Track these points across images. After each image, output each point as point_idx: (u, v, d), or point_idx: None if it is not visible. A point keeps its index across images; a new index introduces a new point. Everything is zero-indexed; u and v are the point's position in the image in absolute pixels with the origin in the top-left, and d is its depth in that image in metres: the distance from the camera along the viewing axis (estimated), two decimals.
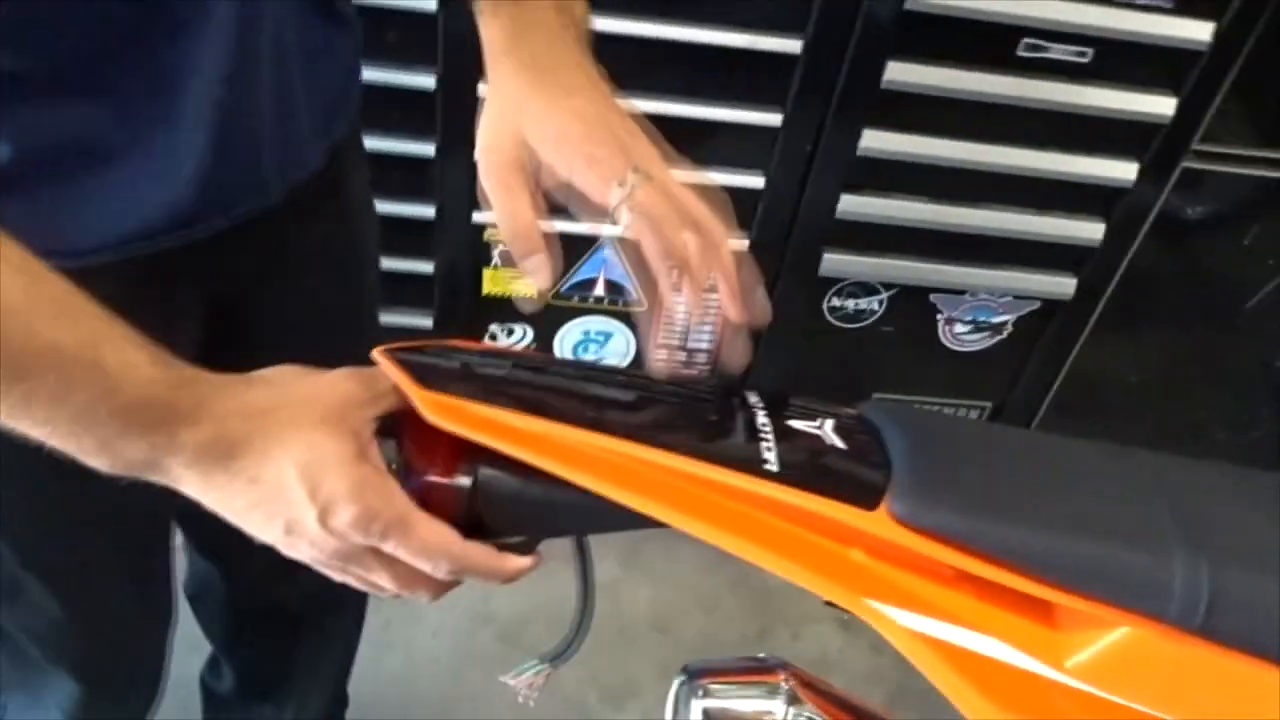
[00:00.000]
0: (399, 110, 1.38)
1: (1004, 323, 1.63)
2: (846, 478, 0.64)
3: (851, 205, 1.47)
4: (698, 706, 0.67)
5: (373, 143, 1.39)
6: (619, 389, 0.72)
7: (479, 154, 0.68)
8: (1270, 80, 1.39)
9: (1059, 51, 1.32)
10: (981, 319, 1.62)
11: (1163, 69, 1.35)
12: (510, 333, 1.65)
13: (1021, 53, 1.32)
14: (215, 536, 1.13)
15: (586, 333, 1.65)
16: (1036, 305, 1.61)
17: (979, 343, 1.66)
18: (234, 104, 0.70)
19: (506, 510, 0.63)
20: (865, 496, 0.63)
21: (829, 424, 0.69)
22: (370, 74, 1.33)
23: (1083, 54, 1.33)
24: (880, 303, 1.60)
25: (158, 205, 0.70)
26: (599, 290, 1.59)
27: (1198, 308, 1.64)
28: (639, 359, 1.66)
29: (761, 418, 0.67)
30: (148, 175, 0.69)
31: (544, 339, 1.65)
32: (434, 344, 0.70)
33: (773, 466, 0.63)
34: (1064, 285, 1.56)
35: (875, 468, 0.65)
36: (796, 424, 0.68)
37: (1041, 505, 0.65)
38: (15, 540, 0.83)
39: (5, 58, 0.60)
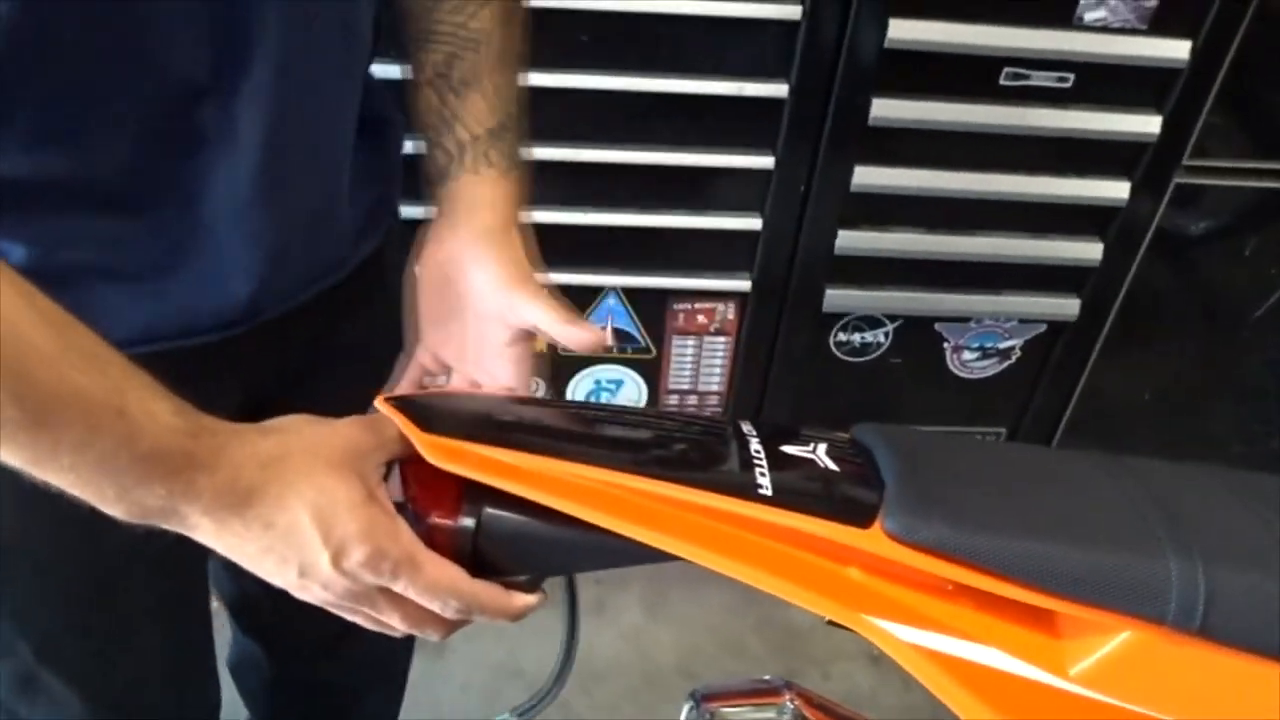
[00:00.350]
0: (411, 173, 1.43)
1: (1011, 347, 1.64)
2: (840, 498, 0.66)
3: (849, 240, 1.49)
4: None
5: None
6: (613, 425, 0.74)
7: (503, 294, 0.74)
8: (1253, 93, 1.41)
9: (1040, 79, 1.35)
10: (989, 345, 1.63)
11: (1144, 88, 1.38)
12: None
13: (1004, 82, 1.35)
14: (260, 615, 1.14)
15: (598, 382, 1.67)
16: (1042, 328, 1.62)
17: (988, 369, 1.67)
18: (270, 214, 0.71)
19: (511, 549, 0.64)
20: (859, 515, 0.64)
21: (821, 448, 0.70)
22: None
23: (1064, 79, 1.36)
24: (886, 335, 1.61)
25: (194, 310, 0.71)
26: (609, 341, 1.61)
27: (1204, 321, 1.64)
28: (651, 405, 1.69)
29: (755, 445, 0.69)
30: (182, 284, 0.70)
31: (557, 391, 1.67)
32: (434, 391, 0.73)
33: (767, 491, 0.65)
34: (1068, 306, 1.57)
35: (868, 487, 0.67)
36: (789, 449, 0.69)
37: (1034, 516, 0.66)
38: (28, 629, 0.79)
39: (26, 164, 0.62)
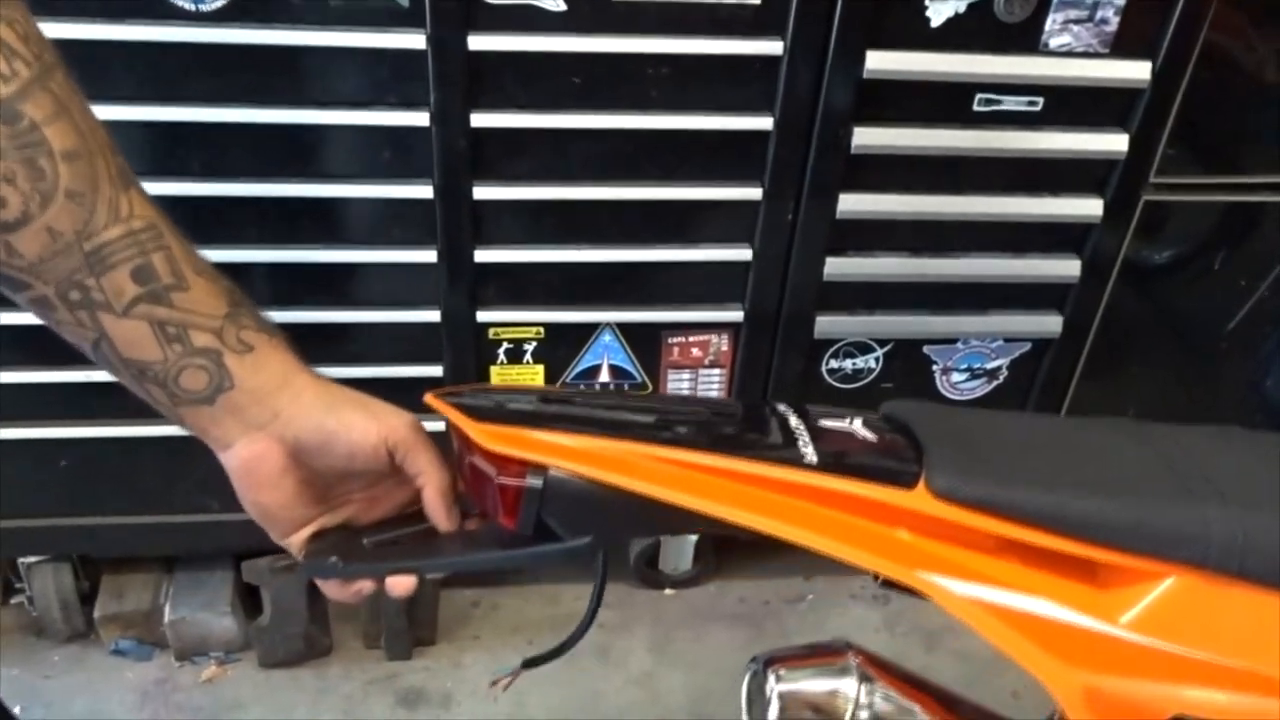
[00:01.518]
0: (398, 222, 1.45)
1: (998, 367, 1.68)
2: (883, 463, 0.68)
3: (837, 267, 1.53)
4: (773, 692, 0.68)
5: (377, 255, 1.47)
6: (652, 407, 0.76)
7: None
8: (1213, 111, 1.48)
9: (1011, 103, 1.41)
10: (976, 365, 1.67)
11: (1110, 109, 1.44)
12: None
13: (977, 108, 1.41)
14: None
15: None
16: (1027, 347, 1.66)
17: (977, 389, 1.70)
18: None
19: (572, 510, 0.66)
20: (903, 478, 0.66)
21: (857, 422, 0.72)
22: (370, 190, 1.41)
23: (1033, 103, 1.42)
24: (877, 360, 1.65)
25: None
26: (604, 376, 1.63)
27: (1181, 335, 1.70)
28: None
29: (794, 420, 0.71)
30: None
31: None
32: (469, 387, 0.74)
33: (812, 459, 0.66)
34: (1050, 324, 1.62)
35: (908, 453, 0.69)
36: (826, 424, 0.71)
37: (1073, 472, 0.69)
38: None
39: None
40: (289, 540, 0.71)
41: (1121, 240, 1.56)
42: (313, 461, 0.67)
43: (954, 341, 1.64)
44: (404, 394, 1.57)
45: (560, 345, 1.59)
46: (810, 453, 0.67)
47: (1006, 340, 1.65)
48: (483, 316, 1.54)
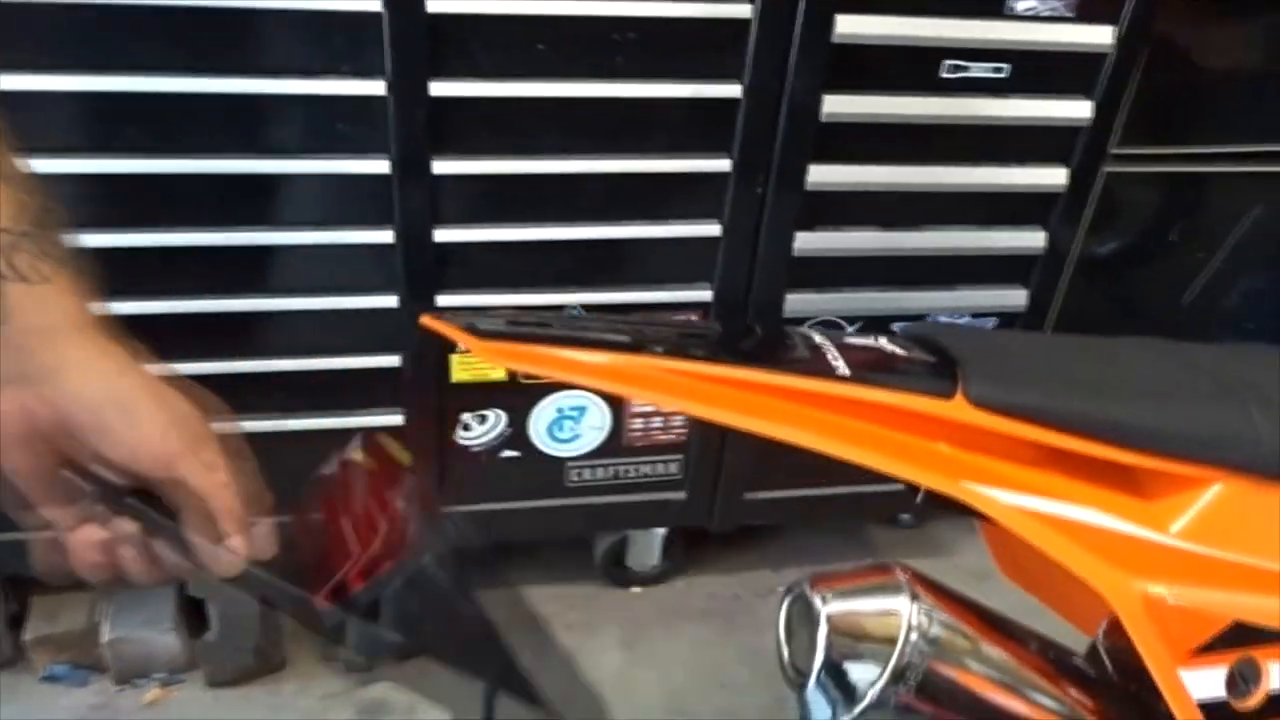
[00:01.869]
0: (354, 200, 1.39)
1: None
2: (917, 375, 0.64)
3: (806, 243, 1.50)
4: (822, 614, 0.64)
5: (332, 235, 1.40)
6: (664, 327, 0.71)
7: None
8: (1173, 81, 1.50)
9: (979, 70, 1.41)
10: None
11: (1074, 76, 1.45)
12: (483, 420, 1.61)
13: (945, 74, 1.40)
14: None
15: (560, 410, 1.62)
16: (994, 321, 1.65)
17: None
18: None
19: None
20: (940, 388, 0.63)
21: (882, 340, 0.69)
22: (324, 164, 1.35)
23: (999, 69, 1.42)
24: None
25: None
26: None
27: (1142, 303, 1.71)
28: (616, 430, 1.65)
29: (817, 338, 0.67)
30: None
31: (517, 422, 1.62)
32: (466, 309, 0.69)
33: (845, 371, 0.62)
34: (1016, 297, 1.61)
35: (940, 366, 0.65)
36: (853, 341, 0.67)
37: (1112, 380, 0.66)
38: None
39: None
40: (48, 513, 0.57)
41: (1084, 212, 1.57)
42: (81, 446, 0.54)
43: (923, 318, 1.62)
44: (359, 385, 1.52)
45: None
46: (842, 366, 0.63)
47: (974, 316, 1.63)
48: (443, 300, 1.48)
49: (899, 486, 1.94)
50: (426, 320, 0.64)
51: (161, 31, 1.22)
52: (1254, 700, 0.61)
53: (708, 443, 1.69)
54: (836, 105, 1.39)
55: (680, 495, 1.75)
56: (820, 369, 0.62)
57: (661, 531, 1.84)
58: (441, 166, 1.36)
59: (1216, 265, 1.70)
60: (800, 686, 0.66)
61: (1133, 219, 1.65)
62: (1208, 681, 0.59)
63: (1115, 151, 1.54)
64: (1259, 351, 0.74)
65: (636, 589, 1.89)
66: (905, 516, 1.98)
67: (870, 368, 0.64)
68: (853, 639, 0.62)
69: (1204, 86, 1.56)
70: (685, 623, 1.82)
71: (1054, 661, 0.67)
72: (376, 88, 1.29)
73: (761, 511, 1.79)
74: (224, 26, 1.23)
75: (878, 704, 0.62)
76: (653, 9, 1.30)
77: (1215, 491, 0.63)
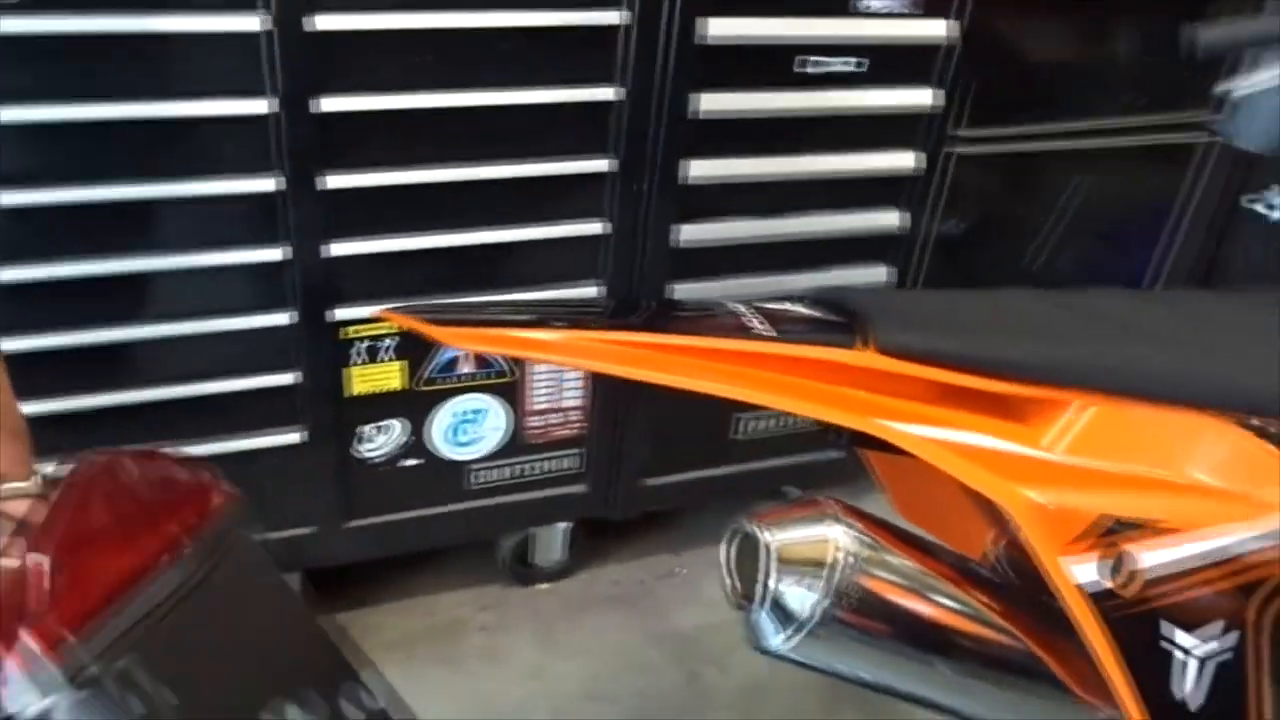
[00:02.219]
0: (242, 219, 1.39)
1: None
2: (829, 330, 0.72)
3: (687, 234, 1.59)
4: (766, 544, 0.70)
5: (221, 257, 1.39)
6: (588, 307, 0.77)
7: None
8: (1006, 68, 1.65)
9: (839, 65, 1.52)
10: None
11: (921, 66, 1.58)
12: (383, 430, 1.63)
13: (808, 69, 1.51)
14: None
15: (457, 414, 1.65)
16: None
17: None
18: None
19: None
20: (851, 340, 0.71)
21: (797, 304, 0.77)
22: (211, 186, 1.34)
23: (861, 64, 1.53)
24: None
25: None
26: (467, 368, 1.61)
27: (993, 273, 1.86)
28: (515, 429, 1.69)
29: (731, 305, 0.74)
30: None
31: (416, 430, 1.64)
32: (425, 304, 0.74)
33: (764, 331, 0.70)
34: (878, 274, 1.73)
35: (849, 321, 0.73)
36: (768, 306, 0.75)
37: (999, 323, 0.75)
38: None
39: None
40: None
41: (935, 193, 1.70)
42: None
43: None
44: (255, 406, 1.51)
45: (419, 339, 1.56)
46: (764, 328, 0.70)
47: None
48: (336, 315, 1.49)
49: (786, 462, 2.01)
50: (384, 312, 0.68)
51: (36, 57, 1.20)
52: (1136, 585, 0.71)
53: (605, 434, 1.75)
54: (708, 103, 1.48)
55: (582, 488, 1.80)
56: (745, 332, 0.69)
57: (564, 526, 1.89)
58: (331, 181, 1.38)
59: (1053, 234, 1.87)
60: (748, 613, 0.73)
61: (981, 197, 1.79)
62: (1086, 568, 0.69)
63: (960, 134, 1.68)
64: (1118, 292, 0.85)
65: (544, 585, 1.93)
66: (793, 490, 2.08)
67: (786, 326, 0.71)
68: (793, 564, 0.70)
69: (1032, 72, 1.71)
70: (594, 613, 1.87)
71: (964, 571, 0.76)
72: (262, 106, 1.30)
73: (660, 496, 1.87)
74: (105, 52, 1.22)
75: (819, 622, 0.70)
76: (531, 19, 1.35)
77: (1085, 412, 0.73)
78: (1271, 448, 0.72)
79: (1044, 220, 1.84)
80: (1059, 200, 1.85)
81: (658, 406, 1.73)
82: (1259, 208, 1.77)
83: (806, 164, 1.59)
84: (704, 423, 1.81)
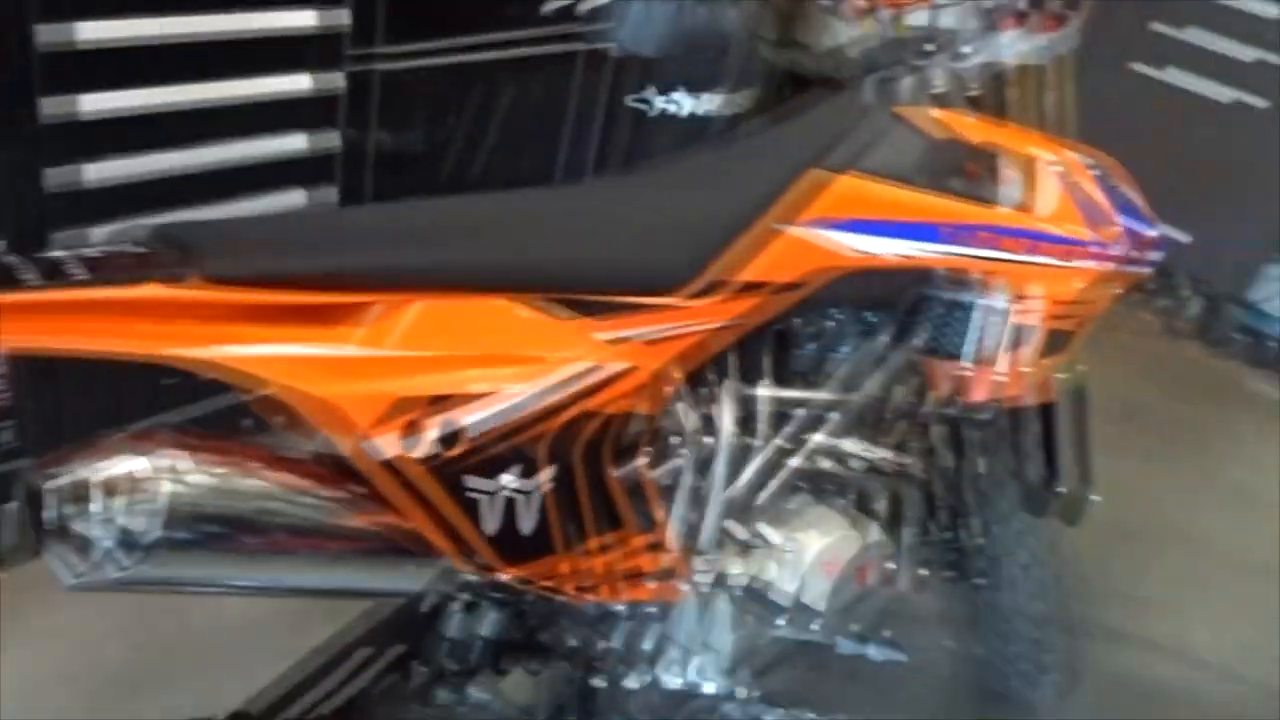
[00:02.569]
0: None
1: None
2: (160, 267, 0.75)
3: (91, 174, 1.50)
4: (49, 496, 0.75)
5: None
6: None
7: None
8: None
9: None
10: None
11: None
12: None
13: None
14: None
15: None
16: None
17: None
18: None
19: None
20: (180, 274, 0.75)
21: (134, 246, 0.79)
22: None
23: None
24: None
25: None
26: None
27: (440, 185, 1.95)
28: None
29: (62, 253, 0.75)
30: None
31: None
32: None
33: (84, 277, 0.72)
34: (296, 197, 1.76)
35: (181, 256, 0.77)
36: (99, 251, 0.77)
37: (324, 243, 0.85)
38: None
39: None
40: None
41: (369, 109, 1.75)
42: None
43: None
44: None
45: None
46: (82, 273, 0.72)
47: None
48: None
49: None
50: None
51: None
52: (459, 448, 0.85)
53: (43, 406, 1.62)
54: (94, 32, 1.39)
55: (26, 463, 1.66)
56: (58, 279, 0.71)
57: (14, 506, 1.73)
58: None
59: (482, 142, 2.01)
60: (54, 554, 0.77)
61: (417, 111, 1.87)
62: (394, 441, 0.82)
63: (381, 51, 1.73)
64: (471, 198, 0.97)
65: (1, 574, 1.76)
66: None
67: (110, 270, 0.73)
68: (119, 496, 0.75)
69: None
70: (59, 592, 1.74)
71: (291, 465, 0.85)
72: None
73: None
74: None
75: (154, 547, 0.76)
76: None
77: (410, 309, 0.84)
78: (555, 318, 0.89)
79: (475, 130, 1.98)
80: (481, 112, 1.99)
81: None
82: (641, 106, 2.04)
83: (212, 91, 1.56)
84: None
